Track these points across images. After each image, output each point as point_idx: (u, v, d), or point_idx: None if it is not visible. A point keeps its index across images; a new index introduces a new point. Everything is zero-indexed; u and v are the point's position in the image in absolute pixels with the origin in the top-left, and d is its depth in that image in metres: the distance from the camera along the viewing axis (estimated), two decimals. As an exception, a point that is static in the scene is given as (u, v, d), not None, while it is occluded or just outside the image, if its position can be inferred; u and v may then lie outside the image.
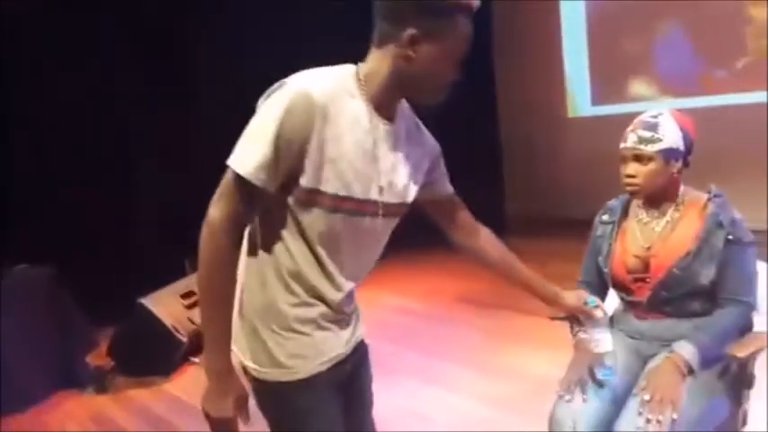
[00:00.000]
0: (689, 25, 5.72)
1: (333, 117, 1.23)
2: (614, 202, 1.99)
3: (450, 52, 1.27)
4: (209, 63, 5.54)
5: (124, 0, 4.97)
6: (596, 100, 6.45)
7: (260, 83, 1.34)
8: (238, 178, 1.22)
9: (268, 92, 1.27)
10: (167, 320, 3.70)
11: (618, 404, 1.70)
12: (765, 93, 5.26)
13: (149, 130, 5.26)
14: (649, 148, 1.75)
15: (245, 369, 1.35)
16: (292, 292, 1.30)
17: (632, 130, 1.80)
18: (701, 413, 1.62)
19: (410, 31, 1.24)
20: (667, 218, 1.84)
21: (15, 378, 3.45)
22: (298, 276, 1.30)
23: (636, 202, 1.92)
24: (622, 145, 1.81)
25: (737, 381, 1.71)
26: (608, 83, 6.36)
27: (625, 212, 1.95)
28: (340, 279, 1.33)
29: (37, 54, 4.69)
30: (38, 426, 3.35)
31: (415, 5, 1.24)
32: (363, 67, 1.31)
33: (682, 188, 1.87)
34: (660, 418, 1.56)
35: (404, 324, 4.32)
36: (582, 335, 1.75)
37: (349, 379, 1.42)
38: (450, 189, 1.53)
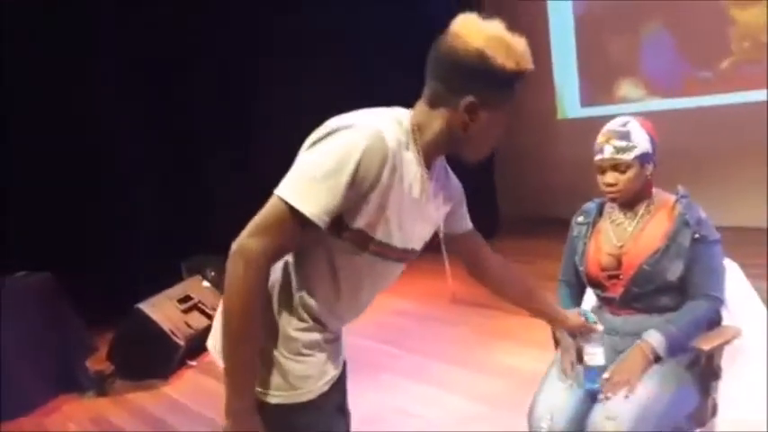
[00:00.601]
0: (674, 27, 5.82)
1: (398, 165, 1.21)
2: (590, 205, 2.08)
3: (505, 117, 1.29)
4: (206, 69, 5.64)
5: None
6: (585, 101, 6.55)
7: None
8: (295, 215, 1.16)
9: (328, 129, 1.21)
10: (165, 325, 3.78)
11: (594, 399, 1.79)
12: (749, 93, 5.37)
13: (146, 138, 5.34)
14: (626, 157, 1.84)
15: None
16: (301, 319, 1.29)
17: (606, 141, 1.88)
18: (669, 402, 1.71)
19: (469, 99, 1.23)
20: (639, 218, 1.94)
21: (16, 383, 3.53)
22: (309, 307, 1.29)
23: (610, 204, 2.02)
24: (599, 156, 1.89)
25: (705, 372, 1.80)
26: (596, 84, 6.46)
27: (600, 214, 2.05)
28: (350, 313, 1.36)
29: (37, 55, 4.77)
30: (39, 428, 3.43)
31: (477, 76, 1.22)
32: (414, 117, 1.29)
33: (653, 190, 1.96)
34: (610, 395, 1.70)
35: (398, 325, 4.40)
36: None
37: (342, 396, 1.43)
38: (468, 226, 1.55)
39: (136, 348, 3.81)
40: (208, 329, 4.34)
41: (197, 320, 4.05)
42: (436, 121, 1.26)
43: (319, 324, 1.30)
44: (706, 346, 1.73)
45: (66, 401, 3.72)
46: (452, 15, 1.28)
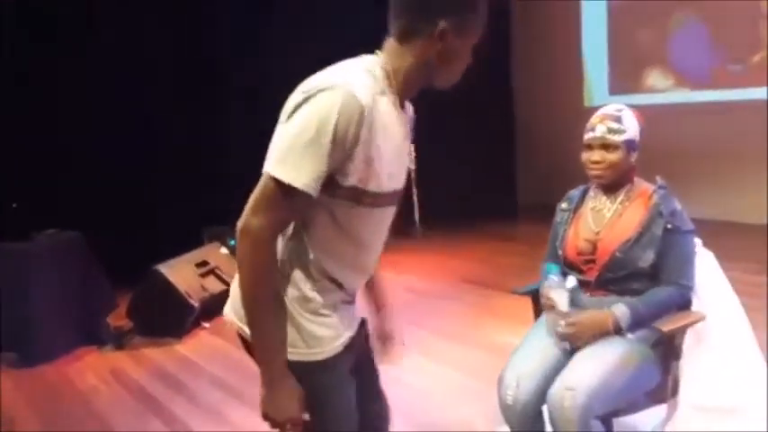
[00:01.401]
0: (706, 19, 5.73)
1: (375, 117, 1.23)
2: (574, 192, 2.16)
3: (474, 39, 1.31)
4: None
5: None
6: (613, 90, 6.50)
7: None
8: (288, 189, 1.19)
9: (302, 95, 1.22)
10: (181, 287, 3.98)
11: (559, 370, 1.88)
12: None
13: (173, 106, 5.51)
14: (616, 138, 1.94)
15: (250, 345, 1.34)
16: (317, 280, 1.31)
17: (600, 122, 1.98)
18: (628, 378, 1.80)
19: (442, 25, 1.25)
20: (617, 206, 2.01)
21: (43, 333, 3.79)
22: (323, 266, 1.31)
23: (592, 192, 2.09)
24: (590, 135, 1.98)
25: (666, 353, 1.88)
26: (625, 73, 6.40)
27: (582, 200, 2.12)
28: (360, 268, 1.38)
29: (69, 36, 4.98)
30: (61, 376, 3.68)
31: (447, 1, 1.26)
32: (384, 61, 1.30)
33: (635, 179, 2.03)
34: (568, 346, 1.86)
35: (401, 299, 4.52)
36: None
37: (358, 358, 1.44)
38: None
39: (153, 307, 4.03)
40: (223, 294, 4.55)
41: (213, 284, 4.24)
42: (409, 58, 1.28)
43: (335, 284, 1.33)
44: (666, 327, 1.81)
45: (86, 353, 3.97)
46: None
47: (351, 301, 1.40)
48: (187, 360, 3.81)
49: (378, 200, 1.30)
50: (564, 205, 2.15)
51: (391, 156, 1.28)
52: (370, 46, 1.35)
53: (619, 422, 2.00)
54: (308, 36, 5.66)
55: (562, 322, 1.88)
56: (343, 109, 1.18)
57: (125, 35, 5.21)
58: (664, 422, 2.03)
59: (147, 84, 5.37)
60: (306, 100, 1.21)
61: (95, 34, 5.05)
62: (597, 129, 1.96)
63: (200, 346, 4.02)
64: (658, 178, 2.03)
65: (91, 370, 3.75)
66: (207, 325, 4.24)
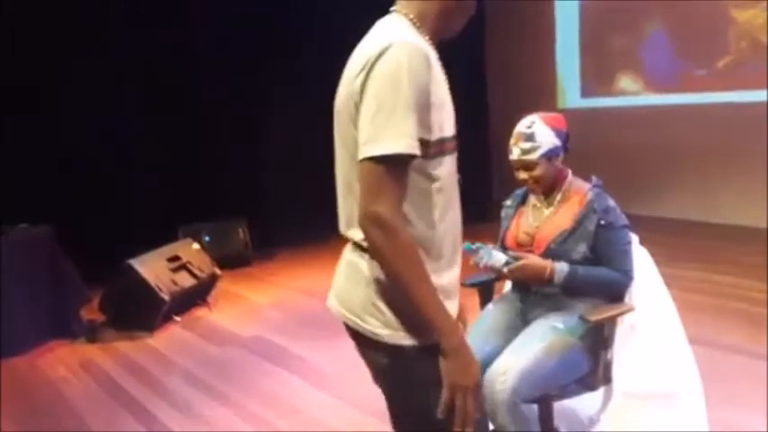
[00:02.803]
0: (673, 26, 5.88)
1: (431, 62, 1.24)
2: (519, 191, 2.29)
3: None
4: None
5: None
6: (585, 93, 6.64)
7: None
8: (392, 161, 1.17)
9: (363, 70, 1.21)
10: (152, 280, 4.05)
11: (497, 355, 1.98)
12: (746, 92, 5.43)
13: (147, 100, 5.56)
14: (532, 156, 2.06)
15: (376, 342, 1.29)
16: (433, 258, 1.28)
17: (514, 144, 2.10)
18: (557, 365, 1.91)
19: None
20: (554, 203, 2.13)
21: (13, 325, 3.84)
22: (427, 243, 1.27)
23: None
24: (510, 157, 2.12)
25: (596, 342, 1.99)
26: (597, 77, 6.54)
27: (525, 199, 2.24)
28: (459, 238, 1.36)
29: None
30: (33, 368, 3.74)
31: None
32: (409, 12, 1.31)
33: (570, 178, 2.16)
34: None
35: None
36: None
37: None
38: None
39: (124, 301, 4.10)
40: (194, 288, 4.62)
41: (184, 279, 4.32)
42: (430, 3, 1.31)
43: (445, 261, 1.30)
44: (593, 317, 1.92)
45: (58, 346, 4.03)
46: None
47: (457, 288, 1.36)
48: (158, 353, 3.89)
49: (453, 144, 1.30)
50: (508, 202, 2.28)
51: (448, 96, 1.30)
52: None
53: (561, 408, 2.10)
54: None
55: (505, 269, 1.99)
56: (411, 61, 1.18)
57: (98, 29, 5.25)
58: (600, 409, 2.15)
59: (120, 80, 5.42)
60: (371, 69, 1.20)
61: (68, 28, 5.08)
62: (513, 151, 2.09)
63: (171, 339, 4.10)
64: (594, 177, 2.15)
65: (62, 363, 3.82)
66: (178, 319, 4.32)
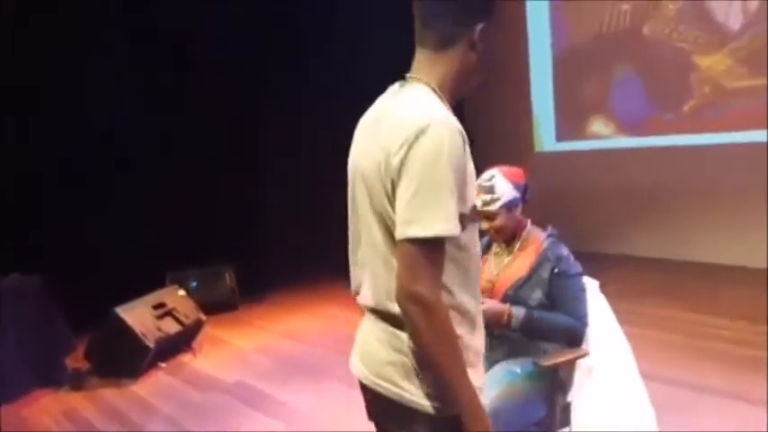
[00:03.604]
0: (642, 71, 6.15)
1: (466, 140, 1.25)
2: (484, 239, 2.42)
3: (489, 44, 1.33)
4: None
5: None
6: (560, 136, 6.87)
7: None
8: (433, 242, 1.19)
9: (403, 147, 1.21)
10: (137, 328, 4.13)
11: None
12: (710, 135, 5.67)
13: (133, 148, 5.71)
14: (491, 208, 2.21)
15: (415, 412, 1.30)
16: (466, 325, 1.31)
17: (476, 196, 2.22)
18: (515, 409, 2.02)
19: (480, 25, 1.29)
20: (514, 251, 2.27)
21: (1, 377, 3.89)
22: (465, 309, 1.30)
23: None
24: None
25: (552, 386, 2.11)
26: (570, 121, 6.79)
27: (488, 247, 2.38)
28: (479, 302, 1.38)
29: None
30: (18, 419, 3.78)
31: (483, 3, 1.30)
32: (430, 81, 1.30)
33: (528, 227, 2.30)
34: None
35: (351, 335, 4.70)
36: None
37: None
38: None
39: (110, 348, 4.17)
40: (179, 334, 4.68)
41: (169, 326, 4.41)
42: (448, 67, 1.30)
43: (478, 322, 1.34)
44: (546, 362, 2.04)
45: (43, 395, 4.07)
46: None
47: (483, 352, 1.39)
48: (141, 400, 3.94)
49: (477, 213, 1.38)
50: None
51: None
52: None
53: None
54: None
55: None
56: (451, 142, 1.20)
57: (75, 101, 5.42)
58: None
59: (105, 127, 5.55)
60: (410, 148, 1.21)
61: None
62: (475, 203, 2.23)
63: (155, 386, 4.16)
64: (549, 227, 2.29)
65: (46, 412, 3.86)
66: (163, 365, 4.38)
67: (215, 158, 6.15)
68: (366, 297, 1.38)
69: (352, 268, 1.44)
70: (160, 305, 4.45)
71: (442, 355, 1.23)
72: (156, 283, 4.95)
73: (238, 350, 4.75)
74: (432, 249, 1.20)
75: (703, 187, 5.67)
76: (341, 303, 5.26)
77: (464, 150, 1.24)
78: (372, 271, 1.35)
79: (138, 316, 4.22)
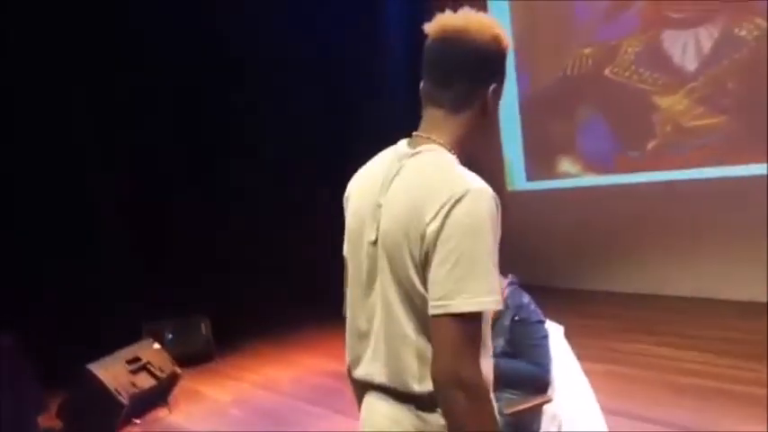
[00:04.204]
0: (606, 112, 6.37)
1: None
2: None
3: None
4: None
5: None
6: (530, 176, 7.03)
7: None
8: (476, 317, 1.14)
9: (440, 217, 1.15)
10: (111, 384, 4.08)
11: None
12: (672, 172, 5.86)
13: (108, 194, 5.74)
14: None
15: None
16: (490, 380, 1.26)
17: None
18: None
19: (493, 86, 1.28)
20: None
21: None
22: (487, 377, 1.24)
23: None
24: None
25: (517, 433, 2.15)
26: (539, 161, 6.96)
27: None
28: None
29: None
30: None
31: (497, 61, 1.28)
32: (445, 140, 1.27)
33: None
34: None
35: (327, 386, 4.66)
36: None
37: None
38: None
39: (83, 406, 4.11)
40: (154, 389, 4.63)
41: (144, 380, 4.36)
42: (465, 126, 1.28)
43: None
44: (509, 410, 2.09)
45: (15, 457, 3.99)
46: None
47: None
48: (116, 459, 3.89)
49: None
50: None
51: None
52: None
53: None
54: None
55: None
56: (491, 210, 1.17)
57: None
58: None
59: (77, 172, 5.57)
60: (447, 216, 1.15)
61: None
62: None
63: (129, 443, 4.10)
64: (510, 275, 2.36)
65: (17, 474, 3.79)
66: (138, 421, 4.32)
67: (186, 210, 6.19)
68: (373, 374, 1.28)
69: (349, 338, 1.34)
70: (135, 359, 4.41)
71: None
72: (131, 336, 4.90)
73: (214, 403, 4.71)
74: (475, 325, 1.14)
75: (670, 222, 5.82)
76: (317, 352, 5.32)
77: (499, 218, 1.19)
78: (388, 346, 1.25)
79: (111, 372, 4.18)
